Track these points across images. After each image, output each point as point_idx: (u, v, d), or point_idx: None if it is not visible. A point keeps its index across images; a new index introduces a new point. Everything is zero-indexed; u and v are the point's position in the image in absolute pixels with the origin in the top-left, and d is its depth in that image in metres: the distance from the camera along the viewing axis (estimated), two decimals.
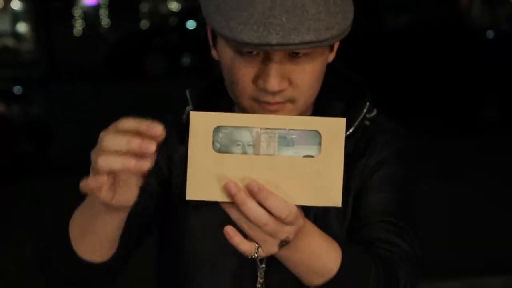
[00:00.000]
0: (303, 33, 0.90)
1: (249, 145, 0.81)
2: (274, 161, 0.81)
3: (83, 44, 18.90)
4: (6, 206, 5.51)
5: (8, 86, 7.02)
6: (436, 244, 4.19)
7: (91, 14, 22.49)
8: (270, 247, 0.83)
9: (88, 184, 0.82)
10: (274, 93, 0.96)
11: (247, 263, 1.02)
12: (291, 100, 0.98)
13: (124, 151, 0.79)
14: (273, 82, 0.94)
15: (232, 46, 0.96)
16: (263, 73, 0.95)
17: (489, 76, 8.34)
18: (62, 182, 6.16)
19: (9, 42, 23.16)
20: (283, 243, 0.83)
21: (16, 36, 23.84)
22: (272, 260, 1.02)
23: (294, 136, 0.81)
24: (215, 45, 1.03)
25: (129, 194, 0.84)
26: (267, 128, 0.81)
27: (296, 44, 0.91)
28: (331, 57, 1.04)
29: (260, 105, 0.98)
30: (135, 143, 0.79)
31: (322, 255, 0.90)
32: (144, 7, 23.31)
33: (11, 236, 4.77)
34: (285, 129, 0.81)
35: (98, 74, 15.54)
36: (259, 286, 1.03)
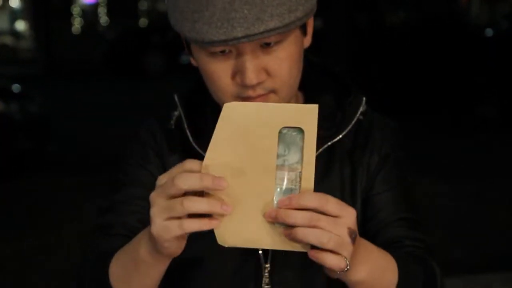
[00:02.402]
0: (266, 21, 0.90)
1: None
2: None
3: (81, 42, 18.89)
4: (5, 203, 5.51)
5: (6, 84, 7.00)
6: (437, 242, 4.20)
7: (89, 12, 22.47)
8: (347, 246, 0.81)
9: (190, 226, 0.81)
10: (254, 87, 0.96)
11: (248, 263, 1.02)
12: (273, 91, 0.98)
13: (194, 187, 0.80)
14: (250, 76, 0.94)
15: (204, 48, 0.96)
16: (239, 68, 0.95)
17: (489, 74, 8.35)
18: (61, 179, 6.17)
19: (8, 40, 23.13)
20: (353, 235, 0.82)
21: (15, 34, 23.82)
22: (275, 259, 1.03)
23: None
24: (191, 52, 1.03)
25: (182, 243, 0.85)
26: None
27: (261, 33, 0.91)
28: (306, 41, 1.03)
29: (244, 101, 0.98)
30: (208, 178, 0.79)
31: (387, 269, 0.92)
32: (143, 5, 23.29)
33: (10, 232, 4.77)
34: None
35: (97, 72, 15.54)
36: (264, 285, 1.03)
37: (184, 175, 0.79)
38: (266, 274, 1.03)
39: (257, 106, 0.82)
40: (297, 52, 0.99)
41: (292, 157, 0.81)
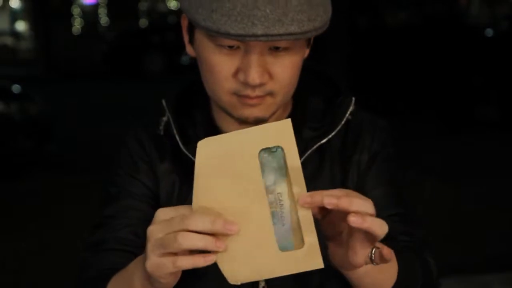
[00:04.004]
0: (287, 24, 0.91)
1: None
2: None
3: (81, 43, 18.88)
4: (5, 203, 5.52)
5: (6, 85, 7.00)
6: (436, 242, 4.20)
7: (89, 13, 22.46)
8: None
9: (183, 263, 0.77)
10: (254, 87, 0.96)
11: None
12: (271, 94, 0.98)
13: (206, 230, 0.76)
14: (254, 75, 0.94)
15: (214, 40, 0.96)
16: (244, 66, 0.95)
17: (489, 75, 8.35)
18: (61, 179, 6.17)
19: (8, 40, 23.13)
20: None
21: (15, 34, 23.83)
22: None
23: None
24: (191, 41, 1.03)
25: (177, 275, 0.82)
26: None
27: (280, 35, 0.91)
28: (307, 52, 1.05)
29: (239, 99, 0.98)
30: (219, 223, 0.76)
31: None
32: (143, 6, 23.29)
33: (10, 232, 4.77)
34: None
35: (97, 73, 15.54)
36: None
37: (197, 216, 0.76)
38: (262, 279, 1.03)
39: (230, 136, 0.79)
40: (300, 61, 1.01)
41: (268, 180, 0.79)
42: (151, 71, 14.91)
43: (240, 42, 0.95)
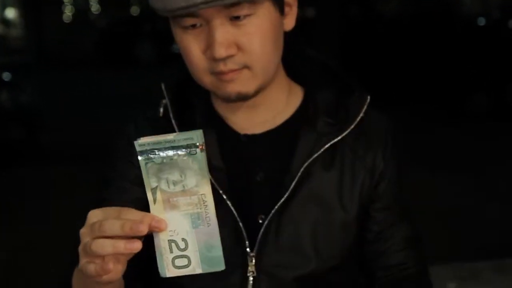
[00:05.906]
0: None
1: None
2: None
3: (72, 30, 18.76)
4: None
5: None
6: (427, 230, 4.21)
7: (80, 0, 22.31)
8: None
9: (91, 270, 0.79)
10: (224, 61, 0.96)
11: (234, 251, 1.01)
12: (247, 67, 0.98)
13: (118, 235, 0.78)
14: (219, 49, 0.95)
15: (177, 23, 0.98)
16: (209, 42, 0.96)
17: (480, 64, 8.35)
18: (52, 169, 6.15)
19: None
20: None
21: (5, 22, 23.64)
22: (262, 247, 1.02)
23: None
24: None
25: (117, 268, 0.81)
26: None
27: None
28: (288, 24, 1.04)
29: (217, 77, 0.99)
30: (127, 226, 0.77)
31: None
32: None
33: (1, 223, 4.76)
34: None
35: (88, 61, 15.46)
36: (249, 274, 1.02)
37: (109, 222, 0.77)
38: (252, 263, 1.02)
39: None
40: (270, 29, 0.99)
41: (190, 182, 0.80)
42: (142, 59, 14.85)
43: (200, 19, 0.95)
